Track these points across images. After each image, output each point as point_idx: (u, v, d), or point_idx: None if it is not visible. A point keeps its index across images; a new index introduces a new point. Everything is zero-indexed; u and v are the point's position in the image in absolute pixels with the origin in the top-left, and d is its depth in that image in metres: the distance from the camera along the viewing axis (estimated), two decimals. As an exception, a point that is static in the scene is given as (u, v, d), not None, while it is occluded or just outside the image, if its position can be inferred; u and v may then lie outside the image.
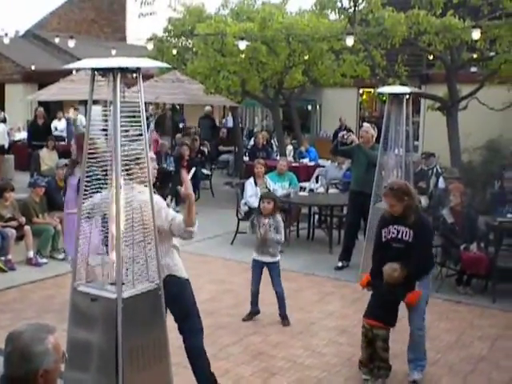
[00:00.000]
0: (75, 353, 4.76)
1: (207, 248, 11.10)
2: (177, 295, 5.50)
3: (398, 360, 6.40)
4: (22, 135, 21.62)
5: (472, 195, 10.77)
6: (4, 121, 20.78)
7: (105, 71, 4.54)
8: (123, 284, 4.64)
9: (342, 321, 7.92)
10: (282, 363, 6.60)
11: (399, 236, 6.11)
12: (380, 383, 6.14)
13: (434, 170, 13.37)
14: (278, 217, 7.76)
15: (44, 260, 10.16)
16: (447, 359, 6.82)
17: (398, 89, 10.55)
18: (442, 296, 8.71)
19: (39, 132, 17.99)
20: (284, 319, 7.68)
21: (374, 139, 10.20)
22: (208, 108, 23.10)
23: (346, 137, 10.32)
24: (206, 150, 19.39)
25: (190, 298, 5.69)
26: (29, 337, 2.96)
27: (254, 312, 7.82)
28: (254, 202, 11.54)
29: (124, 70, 4.52)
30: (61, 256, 10.35)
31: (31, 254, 10.04)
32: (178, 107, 24.32)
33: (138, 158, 4.81)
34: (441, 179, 12.69)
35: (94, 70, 4.61)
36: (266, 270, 7.76)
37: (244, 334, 7.33)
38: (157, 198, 5.23)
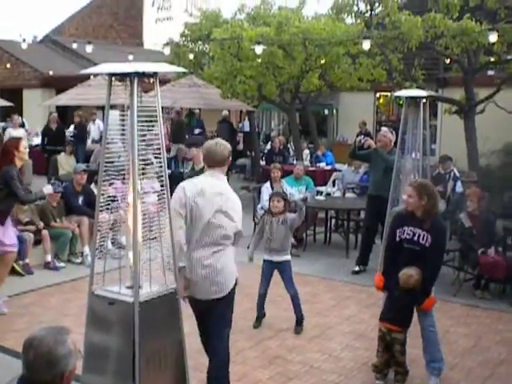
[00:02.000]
0: (93, 356, 4.79)
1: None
2: None
3: (416, 364, 6.39)
4: (40, 140, 21.74)
5: (490, 199, 10.70)
6: (22, 125, 20.91)
7: (122, 76, 4.57)
8: (140, 288, 4.66)
9: (358, 325, 7.90)
10: (298, 367, 6.59)
11: (415, 238, 6.05)
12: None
13: (452, 173, 13.30)
14: (290, 214, 7.69)
15: (62, 264, 10.21)
16: (465, 364, 6.78)
17: (414, 92, 10.50)
18: (459, 300, 8.67)
19: (53, 137, 18.08)
20: (298, 324, 7.59)
21: (393, 143, 10.16)
22: (225, 112, 23.15)
23: (362, 141, 10.30)
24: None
25: None
26: (52, 341, 2.99)
27: (261, 316, 7.77)
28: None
29: (141, 75, 4.55)
30: (78, 260, 10.41)
31: (49, 257, 10.09)
32: (194, 111, 24.41)
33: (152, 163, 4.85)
34: (458, 183, 12.63)
35: (111, 75, 4.64)
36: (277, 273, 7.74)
37: (261, 339, 7.33)
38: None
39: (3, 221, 7.86)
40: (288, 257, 7.68)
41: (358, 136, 20.38)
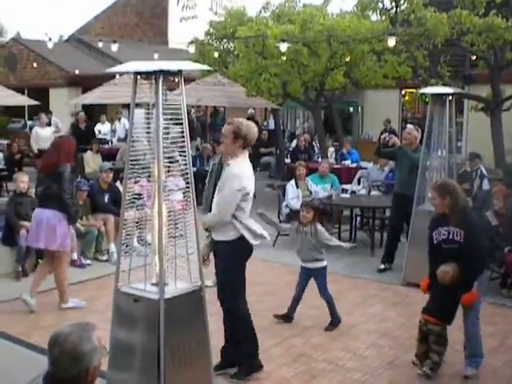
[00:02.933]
0: (118, 353, 4.83)
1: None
2: None
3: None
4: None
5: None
6: (49, 124, 21.06)
7: (147, 74, 4.60)
8: (166, 285, 4.68)
9: (383, 323, 7.87)
10: (323, 365, 6.58)
11: (450, 237, 6.18)
12: (430, 375, 6.20)
13: (478, 171, 13.19)
14: (320, 227, 7.60)
15: (88, 261, 10.28)
16: (491, 363, 6.72)
17: (440, 89, 10.46)
18: (485, 299, 8.54)
19: (82, 135, 18.20)
20: (332, 324, 7.57)
21: (418, 141, 10.10)
22: (251, 111, 23.18)
23: (387, 139, 10.25)
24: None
25: None
26: (77, 337, 3.01)
27: (288, 316, 7.73)
28: (296, 204, 11.54)
29: (166, 73, 4.57)
30: (104, 257, 10.48)
31: (75, 255, 10.15)
32: (219, 110, 24.46)
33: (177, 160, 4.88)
34: (485, 181, 12.53)
35: (136, 73, 4.67)
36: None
37: (285, 336, 7.32)
38: None
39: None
40: (321, 263, 7.63)
41: (382, 134, 20.43)
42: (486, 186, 12.26)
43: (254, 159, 20.19)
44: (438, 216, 6.39)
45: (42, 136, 17.83)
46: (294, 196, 11.85)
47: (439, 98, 9.63)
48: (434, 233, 6.33)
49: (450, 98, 9.60)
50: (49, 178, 7.94)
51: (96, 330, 3.11)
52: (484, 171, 13.02)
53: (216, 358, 5.76)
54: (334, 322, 7.62)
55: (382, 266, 10.18)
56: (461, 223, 6.13)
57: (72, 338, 3.00)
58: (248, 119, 20.67)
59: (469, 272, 6.11)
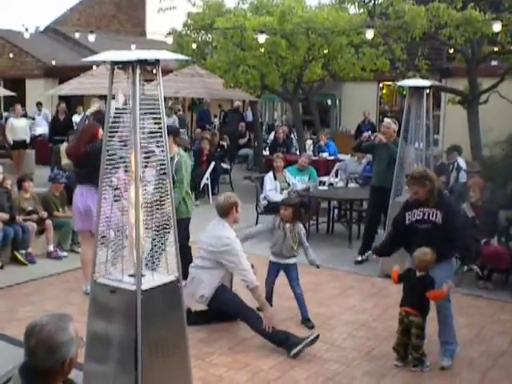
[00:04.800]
0: (95, 345, 4.79)
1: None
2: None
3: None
4: (43, 130, 21.75)
5: (493, 190, 10.68)
6: (25, 116, 20.91)
7: (124, 64, 4.55)
8: (142, 276, 4.66)
9: (361, 315, 7.90)
10: (300, 356, 6.58)
11: (425, 217, 6.35)
12: (419, 370, 6.29)
13: (455, 164, 13.26)
14: (300, 228, 7.62)
15: (64, 253, 10.22)
16: (467, 354, 6.78)
17: (418, 82, 10.49)
18: (461, 290, 8.65)
19: (60, 127, 18.10)
20: (308, 321, 7.52)
21: (395, 134, 10.15)
22: (238, 103, 23.16)
23: (372, 137, 10.28)
24: (225, 144, 19.40)
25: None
26: (53, 328, 2.99)
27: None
28: (274, 196, 11.55)
29: (143, 63, 4.53)
30: (81, 249, 10.40)
31: (51, 247, 10.10)
32: (197, 103, 24.38)
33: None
34: (462, 173, 12.61)
35: (113, 63, 4.62)
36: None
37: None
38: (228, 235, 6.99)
39: None
40: (295, 259, 7.63)
41: (360, 126, 20.44)
42: (462, 178, 12.34)
43: (232, 151, 20.29)
44: (412, 201, 6.52)
45: (17, 127, 17.72)
46: (271, 188, 11.86)
47: (416, 90, 9.66)
48: (408, 213, 6.46)
49: (428, 90, 9.63)
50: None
51: (73, 322, 3.09)
52: (461, 164, 13.10)
53: (193, 350, 5.74)
54: (305, 319, 7.55)
55: (360, 258, 10.21)
56: (438, 204, 6.32)
57: (48, 328, 2.98)
58: (233, 111, 20.79)
59: (463, 244, 6.39)
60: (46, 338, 2.95)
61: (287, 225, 7.52)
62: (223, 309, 7.14)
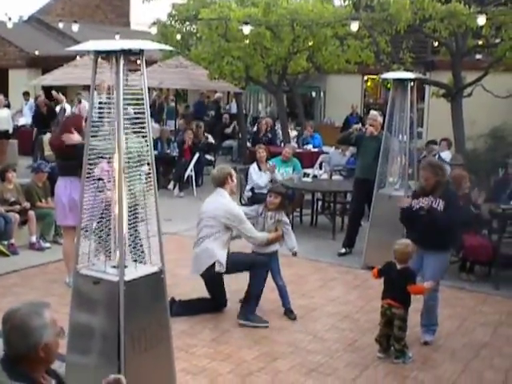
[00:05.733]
0: (77, 336, 4.78)
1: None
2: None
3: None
4: (25, 120, 21.58)
5: (476, 182, 10.73)
6: (8, 106, 20.72)
7: (107, 54, 4.52)
8: (125, 267, 4.64)
9: (344, 306, 7.92)
10: (284, 348, 6.61)
11: (429, 205, 6.71)
12: (401, 362, 6.35)
13: (436, 156, 13.30)
14: (282, 216, 7.62)
15: (47, 244, 10.15)
16: (449, 345, 6.83)
17: (402, 74, 10.51)
18: (444, 282, 8.64)
19: (44, 118, 17.96)
20: (290, 313, 7.53)
21: (380, 126, 10.16)
22: (218, 94, 23.09)
23: (364, 130, 10.28)
24: (210, 135, 19.35)
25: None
26: (25, 312, 2.99)
27: None
28: (262, 183, 11.63)
29: (127, 53, 4.50)
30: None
31: (34, 238, 10.03)
32: (182, 93, 24.29)
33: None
34: (445, 166, 12.65)
35: (96, 52, 4.59)
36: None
37: (246, 319, 7.32)
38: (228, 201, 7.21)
39: None
40: (275, 247, 7.62)
41: (348, 118, 20.45)
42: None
43: (217, 143, 20.25)
44: (420, 189, 6.99)
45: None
46: (257, 177, 11.90)
47: (401, 83, 9.67)
48: (414, 201, 6.88)
49: (412, 83, 9.65)
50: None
51: (51, 309, 3.07)
52: (444, 157, 13.14)
53: (177, 341, 5.73)
54: (288, 311, 7.55)
55: (343, 250, 10.24)
56: (443, 195, 6.70)
57: (21, 312, 2.99)
58: (213, 102, 20.65)
59: (441, 241, 6.66)
60: (18, 323, 2.96)
61: (269, 213, 7.52)
62: (239, 268, 7.33)
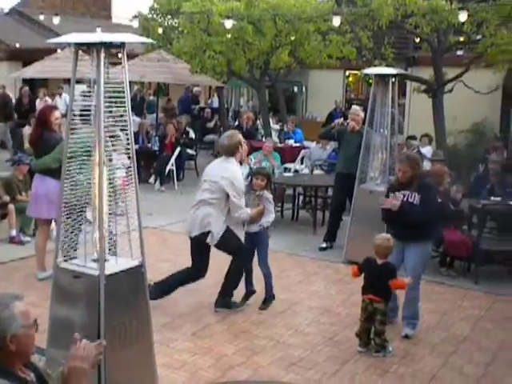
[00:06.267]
0: (58, 330, 4.76)
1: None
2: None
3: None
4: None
5: (456, 178, 10.80)
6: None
7: (88, 46, 4.49)
8: (106, 261, 4.62)
9: (325, 301, 7.94)
10: (264, 342, 6.62)
11: (404, 199, 6.75)
12: (381, 355, 6.40)
13: (414, 151, 13.34)
14: (268, 194, 7.62)
15: (27, 238, 10.06)
16: (429, 339, 6.86)
17: (383, 70, 10.54)
18: (424, 277, 8.68)
19: (24, 110, 17.86)
20: (265, 303, 7.55)
21: (362, 121, 10.17)
22: (197, 89, 23.00)
23: (345, 124, 10.26)
24: (191, 130, 19.30)
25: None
26: None
27: (250, 292, 7.68)
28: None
29: (108, 46, 4.47)
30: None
31: (14, 232, 9.95)
32: (163, 87, 24.18)
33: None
34: (426, 162, 12.71)
35: (77, 45, 4.55)
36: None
37: (227, 313, 7.33)
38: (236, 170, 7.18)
39: None
40: (257, 228, 7.52)
41: (332, 113, 20.45)
42: (426, 166, 12.45)
43: (198, 137, 20.20)
44: (396, 182, 7.05)
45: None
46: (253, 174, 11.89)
47: (382, 78, 9.69)
48: (391, 195, 6.91)
49: (393, 79, 9.67)
50: None
51: (22, 301, 3.06)
52: (424, 152, 13.21)
53: (157, 335, 5.72)
54: (269, 299, 7.60)
55: (324, 245, 10.25)
56: (418, 189, 6.76)
57: None
58: (193, 97, 20.47)
59: (420, 232, 6.73)
60: None
61: (255, 193, 7.56)
62: (227, 248, 7.31)
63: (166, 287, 7.35)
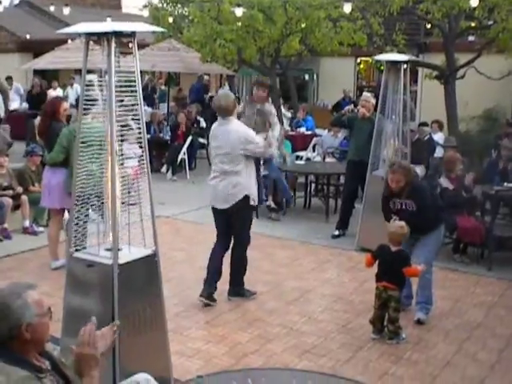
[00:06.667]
0: (72, 319, 4.78)
1: (204, 216, 10.92)
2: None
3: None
4: (16, 105, 21.49)
5: (468, 164, 10.76)
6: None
7: (99, 36, 4.48)
8: (119, 250, 4.64)
9: (337, 288, 7.95)
10: (278, 330, 6.63)
11: (403, 207, 6.82)
12: (395, 342, 6.39)
13: (426, 138, 13.29)
14: (268, 106, 7.66)
15: (40, 228, 10.11)
16: (443, 326, 6.85)
17: (395, 56, 10.48)
18: (438, 264, 8.68)
19: (36, 101, 17.91)
20: (287, 205, 7.63)
21: (373, 108, 10.14)
22: (206, 77, 22.96)
23: (356, 111, 10.22)
24: (202, 119, 19.30)
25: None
26: (6, 293, 3.01)
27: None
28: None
29: (119, 35, 4.46)
30: (57, 224, 10.34)
31: (27, 222, 10.00)
32: (174, 76, 24.18)
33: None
34: (438, 148, 12.67)
35: (87, 35, 4.55)
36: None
37: (240, 301, 7.34)
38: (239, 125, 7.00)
39: None
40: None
41: (340, 103, 20.38)
42: (438, 153, 12.41)
43: (209, 126, 20.18)
44: (388, 192, 6.98)
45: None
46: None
47: (394, 65, 9.64)
48: (390, 202, 6.93)
49: (405, 65, 9.63)
50: None
51: (35, 290, 3.07)
52: (437, 138, 13.16)
53: (171, 324, 5.74)
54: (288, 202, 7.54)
55: (337, 232, 10.25)
56: (411, 195, 6.76)
57: (2, 294, 3.00)
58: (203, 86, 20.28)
59: (427, 225, 6.79)
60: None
61: (257, 106, 7.62)
62: (242, 216, 7.17)
63: (239, 282, 7.48)
